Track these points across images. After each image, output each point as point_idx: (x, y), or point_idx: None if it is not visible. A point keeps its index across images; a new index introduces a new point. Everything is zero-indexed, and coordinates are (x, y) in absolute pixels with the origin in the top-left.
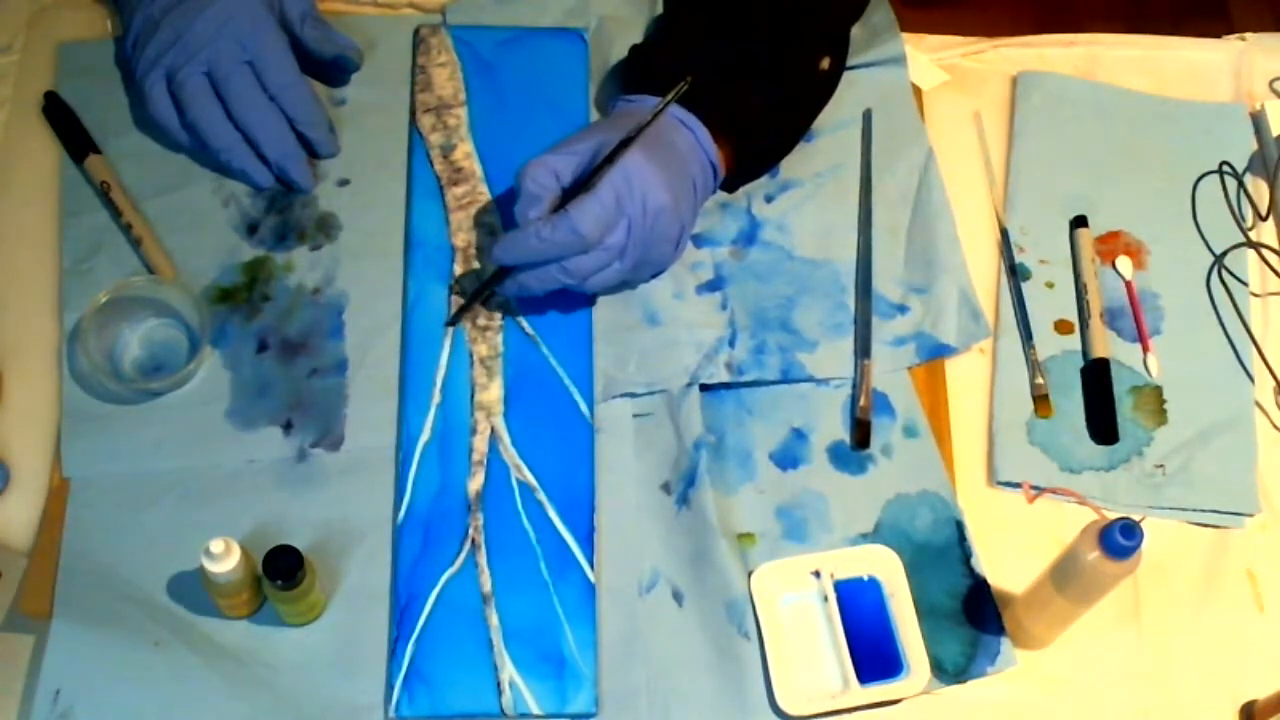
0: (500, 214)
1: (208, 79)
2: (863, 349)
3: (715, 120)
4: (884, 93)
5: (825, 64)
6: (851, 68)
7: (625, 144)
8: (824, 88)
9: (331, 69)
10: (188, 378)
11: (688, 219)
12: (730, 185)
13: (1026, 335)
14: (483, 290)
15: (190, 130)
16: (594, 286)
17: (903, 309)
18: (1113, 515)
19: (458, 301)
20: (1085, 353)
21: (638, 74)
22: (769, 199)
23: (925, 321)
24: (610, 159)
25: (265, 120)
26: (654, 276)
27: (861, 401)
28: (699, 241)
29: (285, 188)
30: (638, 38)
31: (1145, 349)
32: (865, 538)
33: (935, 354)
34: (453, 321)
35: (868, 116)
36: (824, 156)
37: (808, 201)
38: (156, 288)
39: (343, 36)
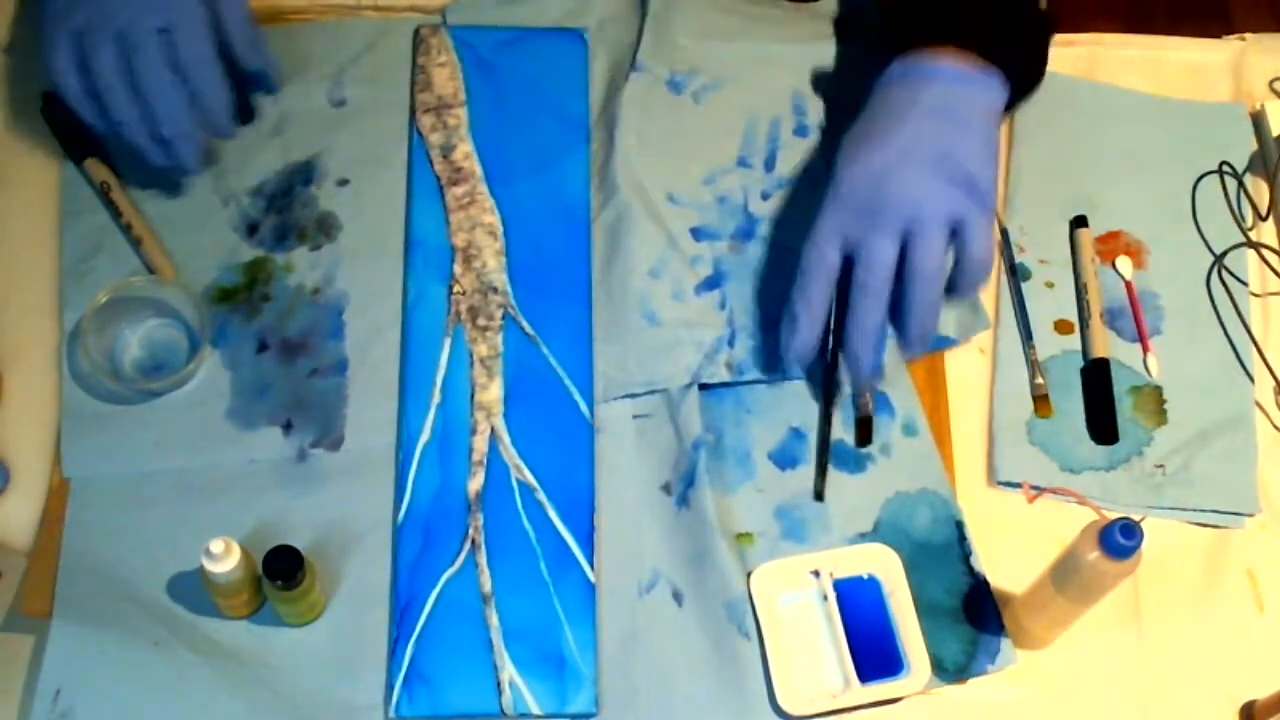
0: (501, 213)
1: (116, 45)
2: None
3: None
4: None
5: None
6: None
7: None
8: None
9: (249, 83)
10: (188, 378)
11: (956, 159)
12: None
13: (1026, 335)
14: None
15: (92, 97)
16: (928, 273)
17: None
18: (1113, 515)
19: (456, 302)
20: (1085, 353)
21: (899, 23)
22: (765, 196)
23: None
24: None
25: (165, 94)
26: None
27: (862, 398)
28: (697, 235)
29: (177, 167)
30: (636, 36)
31: (1145, 349)
32: (865, 537)
33: (935, 346)
34: (819, 495)
35: None
36: (820, 151)
37: (805, 196)
38: (157, 288)
39: (270, 54)
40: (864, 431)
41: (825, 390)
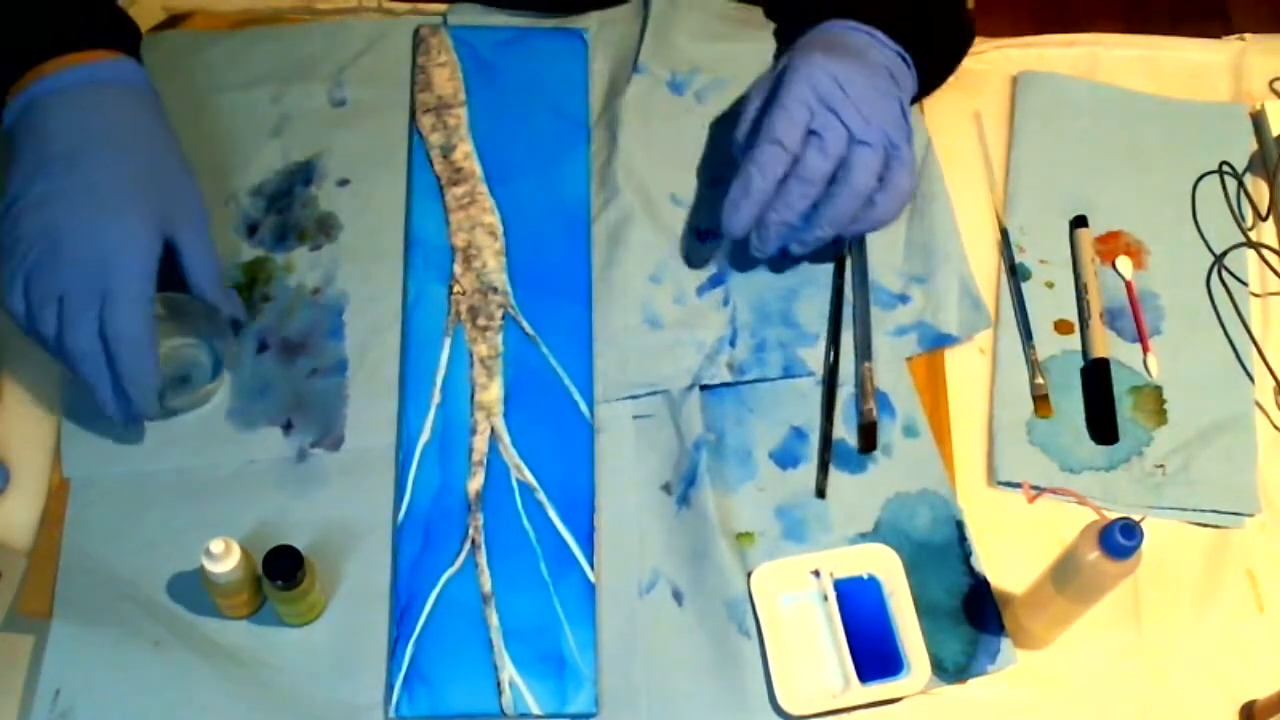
0: (501, 213)
1: (57, 305)
2: (863, 351)
3: (884, 25)
4: None
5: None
6: None
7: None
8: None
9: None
10: (208, 397)
11: (894, 96)
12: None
13: (1026, 335)
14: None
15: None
16: (859, 188)
17: (904, 299)
18: (1113, 515)
19: (456, 302)
20: (1085, 353)
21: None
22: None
23: (926, 311)
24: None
25: (93, 366)
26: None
27: (865, 404)
28: (703, 236)
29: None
30: (637, 37)
31: (1145, 349)
32: (865, 537)
33: (937, 344)
34: (820, 492)
35: None
36: None
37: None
38: (186, 303)
39: (234, 296)
40: (868, 438)
41: (828, 387)
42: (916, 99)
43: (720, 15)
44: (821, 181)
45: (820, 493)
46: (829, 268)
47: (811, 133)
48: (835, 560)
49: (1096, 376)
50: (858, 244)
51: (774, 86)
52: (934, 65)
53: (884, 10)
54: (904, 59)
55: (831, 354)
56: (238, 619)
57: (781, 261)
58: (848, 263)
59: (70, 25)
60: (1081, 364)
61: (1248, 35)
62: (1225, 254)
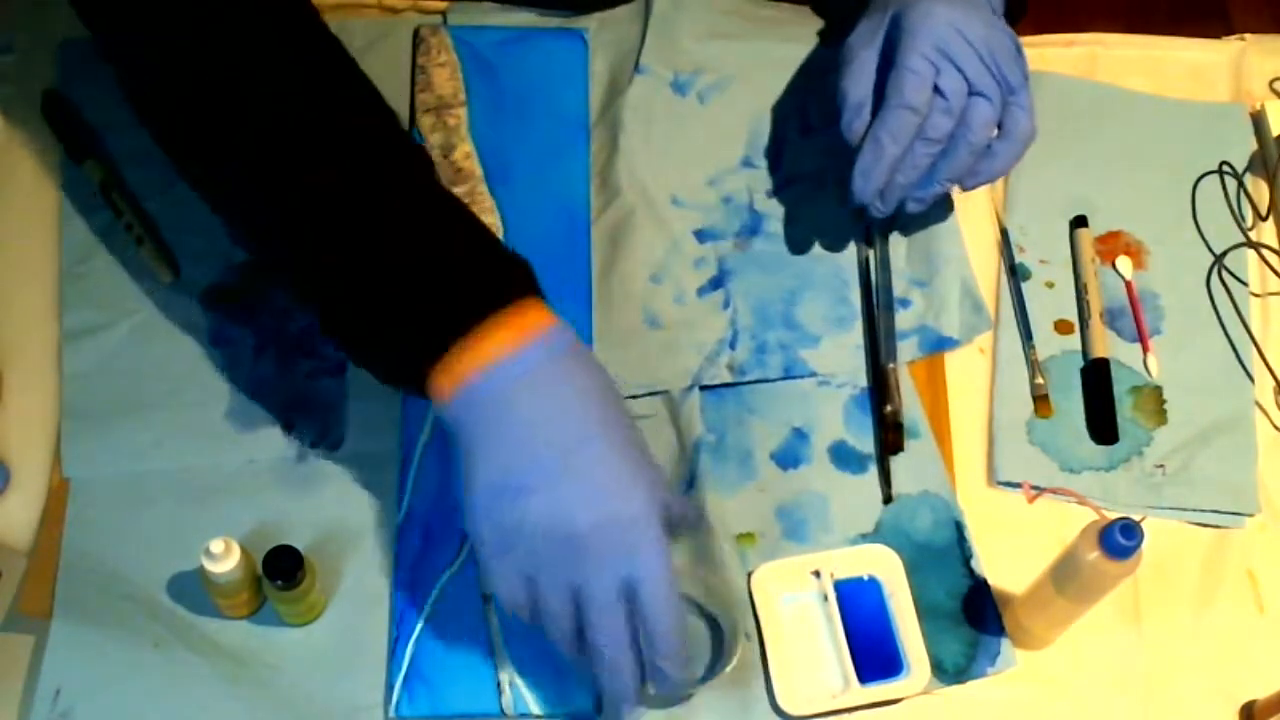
0: (501, 213)
1: (571, 599)
2: (889, 353)
3: None
4: None
5: None
6: None
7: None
8: None
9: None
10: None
11: (1006, 33)
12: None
13: (1026, 335)
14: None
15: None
16: (978, 141)
17: (904, 303)
18: (1113, 515)
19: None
20: (1085, 353)
21: None
22: (770, 194)
23: (928, 315)
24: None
25: (617, 661)
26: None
27: (889, 406)
28: (702, 237)
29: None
30: (637, 38)
31: (1145, 349)
32: (865, 538)
33: (937, 347)
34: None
35: None
36: (825, 150)
37: (810, 194)
38: None
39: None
40: (895, 438)
41: (879, 395)
42: None
43: (724, 15)
44: (945, 139)
45: (887, 499)
46: (829, 268)
47: (935, 89)
48: (835, 561)
49: (1096, 376)
50: (881, 242)
51: (889, 38)
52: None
53: None
54: None
55: (873, 355)
56: (238, 619)
57: (891, 220)
58: (872, 264)
59: (484, 278)
60: (1081, 364)
61: (1248, 35)
62: (1225, 254)
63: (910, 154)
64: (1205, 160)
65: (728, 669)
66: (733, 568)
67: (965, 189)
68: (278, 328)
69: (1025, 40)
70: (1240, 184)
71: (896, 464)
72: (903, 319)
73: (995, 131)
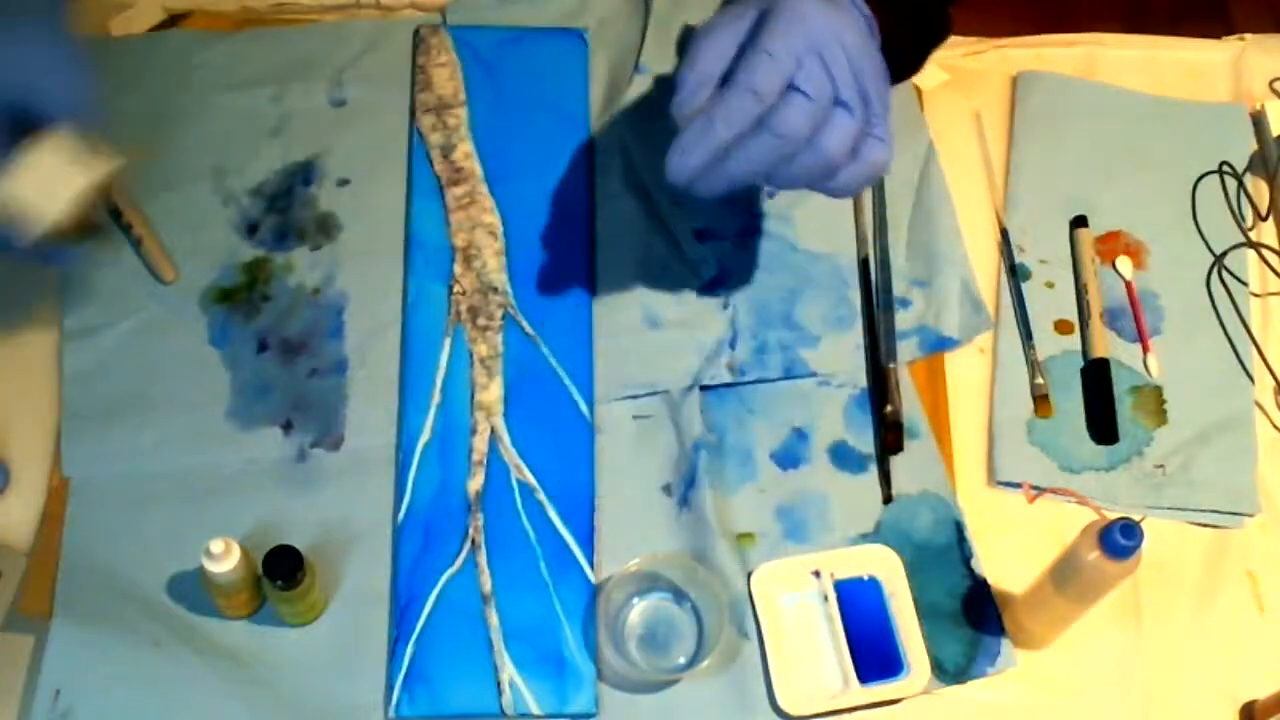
0: (501, 213)
1: None
2: (889, 353)
3: None
4: None
5: None
6: None
7: None
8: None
9: None
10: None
11: (878, 54)
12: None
13: (1026, 335)
14: None
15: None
16: (829, 155)
17: (905, 303)
18: (1113, 515)
19: (456, 302)
20: (1085, 353)
21: None
22: (770, 193)
23: (928, 315)
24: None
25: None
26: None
27: (889, 406)
28: (702, 237)
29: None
30: (637, 37)
31: (1145, 349)
32: (865, 538)
33: (937, 347)
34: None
35: None
36: None
37: (810, 194)
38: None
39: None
40: (895, 437)
41: (879, 395)
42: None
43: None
44: (800, 142)
45: (887, 499)
46: (829, 268)
47: (793, 88)
48: (836, 561)
49: (1096, 376)
50: (881, 242)
51: (754, 27)
52: (902, 33)
53: None
54: (867, 16)
55: (873, 360)
56: (238, 619)
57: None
58: (872, 264)
59: None
60: (1081, 364)
61: (1248, 35)
62: (1225, 254)
63: (749, 145)
64: (1205, 160)
65: (706, 661)
66: (728, 565)
67: (778, 190)
68: (278, 328)
69: (1025, 40)
70: (1240, 184)
71: (896, 464)
72: (903, 319)
73: (849, 153)
